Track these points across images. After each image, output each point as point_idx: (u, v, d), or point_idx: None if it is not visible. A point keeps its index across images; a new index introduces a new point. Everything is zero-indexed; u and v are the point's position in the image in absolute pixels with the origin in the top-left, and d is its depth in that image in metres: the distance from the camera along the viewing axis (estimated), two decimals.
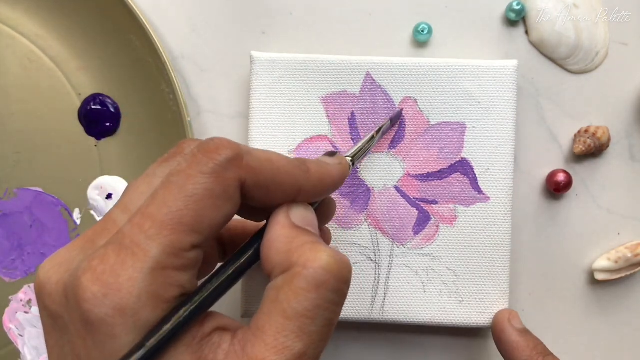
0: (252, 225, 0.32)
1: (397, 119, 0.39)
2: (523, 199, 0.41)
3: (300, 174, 0.27)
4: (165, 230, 0.22)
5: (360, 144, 0.35)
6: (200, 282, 0.24)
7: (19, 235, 0.42)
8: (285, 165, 0.26)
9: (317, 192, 0.28)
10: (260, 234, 0.27)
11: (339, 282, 0.24)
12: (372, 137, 0.36)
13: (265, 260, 0.25)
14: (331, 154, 0.31)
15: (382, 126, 0.37)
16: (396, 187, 0.39)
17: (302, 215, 0.27)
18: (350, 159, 0.32)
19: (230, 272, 0.25)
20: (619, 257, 0.40)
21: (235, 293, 0.36)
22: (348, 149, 0.39)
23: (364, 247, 0.39)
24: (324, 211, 0.31)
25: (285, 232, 0.25)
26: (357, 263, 0.39)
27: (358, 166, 0.39)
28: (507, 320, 0.37)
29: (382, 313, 0.39)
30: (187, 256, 0.23)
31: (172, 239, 0.22)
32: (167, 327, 0.22)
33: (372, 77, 0.39)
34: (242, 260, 0.26)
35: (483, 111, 0.39)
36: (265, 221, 0.27)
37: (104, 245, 0.23)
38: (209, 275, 0.25)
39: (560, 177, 0.40)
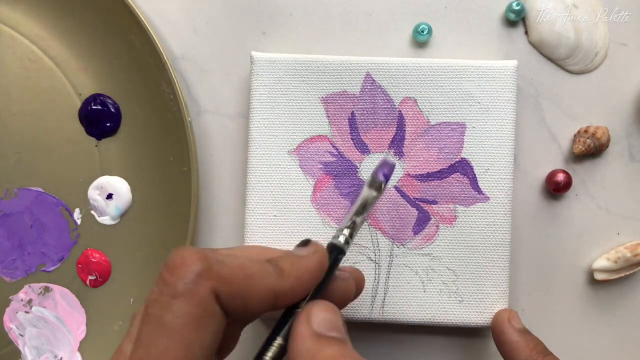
0: None
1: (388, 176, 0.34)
2: (523, 199, 0.41)
3: (275, 278, 0.25)
4: None
5: (345, 222, 0.31)
6: None
7: (20, 235, 0.42)
8: (257, 270, 0.25)
9: (296, 291, 0.26)
10: (276, 332, 0.26)
11: None
12: (358, 212, 0.32)
13: None
14: (304, 243, 0.28)
15: (367, 199, 0.32)
16: (396, 187, 0.39)
17: (325, 318, 0.25)
18: (338, 240, 0.29)
19: None
20: (619, 257, 0.40)
21: None
22: (349, 150, 0.39)
23: (363, 247, 0.39)
24: (346, 287, 0.29)
25: (306, 346, 0.24)
26: (357, 263, 0.39)
27: (358, 165, 0.39)
28: (507, 320, 0.37)
29: (382, 313, 0.39)
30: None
31: None
32: None
33: (372, 78, 0.39)
34: None
35: (483, 111, 0.39)
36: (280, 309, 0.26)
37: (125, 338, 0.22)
38: None
39: (560, 177, 0.40)
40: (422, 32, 0.41)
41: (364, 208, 0.32)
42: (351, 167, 0.39)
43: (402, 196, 0.39)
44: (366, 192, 0.32)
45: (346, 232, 0.30)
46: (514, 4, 0.40)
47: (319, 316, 0.25)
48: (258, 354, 0.25)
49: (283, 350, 0.25)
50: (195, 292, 0.22)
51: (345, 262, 0.39)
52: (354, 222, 0.31)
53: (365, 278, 0.39)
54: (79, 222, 0.42)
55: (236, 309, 0.24)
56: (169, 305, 0.22)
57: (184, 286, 0.22)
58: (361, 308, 0.39)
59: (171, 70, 0.40)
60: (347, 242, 0.30)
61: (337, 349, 0.24)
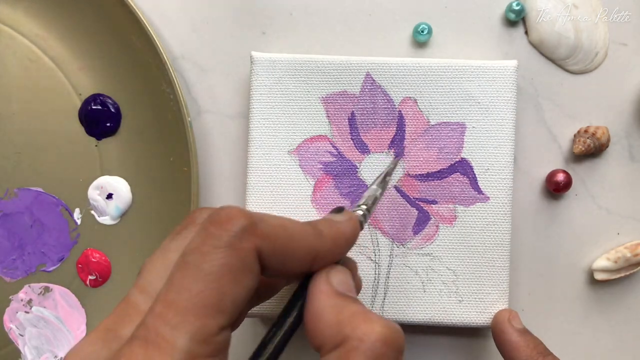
0: None
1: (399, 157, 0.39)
2: (523, 199, 0.41)
3: (314, 238, 0.26)
4: (190, 317, 0.21)
5: (367, 192, 0.33)
6: None
7: (20, 235, 0.42)
8: (299, 231, 0.25)
9: (333, 254, 0.27)
10: (296, 300, 0.26)
11: (396, 353, 0.23)
12: (383, 180, 0.34)
13: (312, 333, 0.24)
14: (338, 210, 0.29)
15: (388, 168, 0.36)
16: (396, 187, 0.39)
17: (342, 280, 0.26)
18: (361, 212, 0.31)
19: (276, 343, 0.25)
20: (619, 257, 0.40)
21: None
22: (349, 150, 0.39)
23: (363, 246, 0.39)
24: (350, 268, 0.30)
25: (331, 302, 0.24)
26: (357, 263, 0.39)
27: (358, 165, 0.39)
28: (507, 320, 0.37)
29: (382, 313, 0.39)
30: (216, 340, 0.22)
31: (198, 326, 0.21)
32: None
33: (372, 78, 0.39)
34: (285, 329, 0.25)
35: (483, 111, 0.39)
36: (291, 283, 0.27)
37: (129, 341, 0.22)
38: (253, 354, 0.24)
39: (560, 177, 0.40)
40: (422, 32, 0.41)
41: (385, 180, 0.34)
42: (351, 167, 0.39)
43: (402, 196, 0.39)
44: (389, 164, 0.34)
45: (364, 207, 0.31)
46: (514, 4, 0.40)
47: (337, 277, 0.26)
48: (277, 322, 0.26)
49: (299, 320, 0.26)
50: (239, 246, 0.23)
51: None
52: (375, 197, 0.32)
53: (365, 278, 0.39)
54: (79, 222, 0.42)
55: (275, 266, 0.24)
56: (211, 254, 0.22)
57: (229, 239, 0.22)
58: None
59: (171, 70, 0.40)
60: (364, 216, 0.31)
61: (360, 306, 0.24)
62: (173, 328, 0.21)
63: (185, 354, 0.21)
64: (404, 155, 0.39)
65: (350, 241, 0.28)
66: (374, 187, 0.33)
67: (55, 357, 0.42)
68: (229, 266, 0.22)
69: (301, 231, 0.25)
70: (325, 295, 0.25)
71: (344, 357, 0.23)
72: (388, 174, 0.35)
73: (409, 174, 0.39)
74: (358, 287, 0.31)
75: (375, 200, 0.32)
